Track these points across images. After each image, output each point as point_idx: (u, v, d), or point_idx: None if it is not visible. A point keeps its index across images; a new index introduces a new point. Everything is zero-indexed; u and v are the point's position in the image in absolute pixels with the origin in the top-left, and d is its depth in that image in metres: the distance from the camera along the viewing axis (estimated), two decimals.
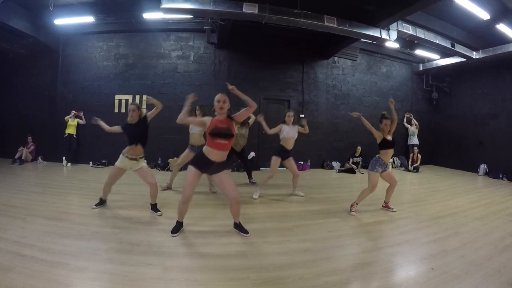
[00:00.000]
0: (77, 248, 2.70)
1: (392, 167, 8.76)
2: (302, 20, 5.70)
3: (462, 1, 5.64)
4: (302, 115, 8.49)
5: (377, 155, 4.22)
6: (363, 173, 7.88)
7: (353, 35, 6.51)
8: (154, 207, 3.88)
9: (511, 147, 8.18)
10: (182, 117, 3.13)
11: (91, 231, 3.15)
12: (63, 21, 7.18)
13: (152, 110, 3.90)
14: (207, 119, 3.04)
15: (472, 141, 9.35)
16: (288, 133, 4.87)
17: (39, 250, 2.61)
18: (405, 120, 9.79)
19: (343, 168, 8.51)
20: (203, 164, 3.03)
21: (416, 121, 9.71)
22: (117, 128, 3.86)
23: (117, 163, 3.83)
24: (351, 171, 8.22)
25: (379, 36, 6.36)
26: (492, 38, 7.35)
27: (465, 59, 8.26)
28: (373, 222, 3.85)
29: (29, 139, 7.96)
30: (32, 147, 8.00)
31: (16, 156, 7.60)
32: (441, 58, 9.40)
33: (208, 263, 2.56)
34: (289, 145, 4.94)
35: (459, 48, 7.59)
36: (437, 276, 2.42)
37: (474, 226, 3.77)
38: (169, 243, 2.92)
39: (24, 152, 7.73)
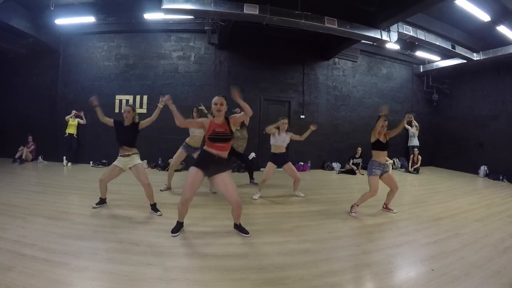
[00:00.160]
0: (77, 247, 2.70)
1: (393, 169, 8.76)
2: (302, 21, 5.71)
3: (462, 2, 5.65)
4: (302, 116, 8.51)
5: (372, 159, 4.25)
6: (363, 174, 7.87)
7: (353, 36, 6.52)
8: (154, 207, 3.89)
9: (511, 149, 8.18)
10: (178, 122, 3.05)
11: (91, 230, 3.15)
12: (64, 21, 7.19)
13: (147, 119, 3.95)
14: (206, 121, 3.06)
15: (472, 142, 9.35)
16: (277, 141, 4.94)
17: (39, 249, 2.61)
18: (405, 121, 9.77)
19: (344, 169, 8.51)
20: (204, 161, 3.03)
21: (417, 122, 9.71)
22: (109, 120, 3.95)
23: (115, 162, 3.89)
24: (352, 172, 8.22)
25: (380, 37, 6.37)
26: (493, 40, 7.36)
27: (465, 61, 8.27)
28: (373, 223, 3.85)
29: (30, 138, 7.96)
30: (33, 147, 8.00)
31: (17, 156, 7.60)
32: (441, 59, 9.41)
33: (208, 263, 2.56)
34: (279, 150, 4.98)
35: (459, 49, 7.60)
36: (437, 277, 2.42)
37: (474, 228, 3.77)
38: (169, 243, 2.92)
39: (25, 151, 7.73)
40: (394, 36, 6.50)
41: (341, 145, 9.26)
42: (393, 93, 10.06)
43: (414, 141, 9.48)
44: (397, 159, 9.50)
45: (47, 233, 3.01)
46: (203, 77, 8.07)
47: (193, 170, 3.01)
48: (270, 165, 4.96)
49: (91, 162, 7.86)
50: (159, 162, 7.74)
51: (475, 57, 8.05)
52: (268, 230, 3.45)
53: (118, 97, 7.96)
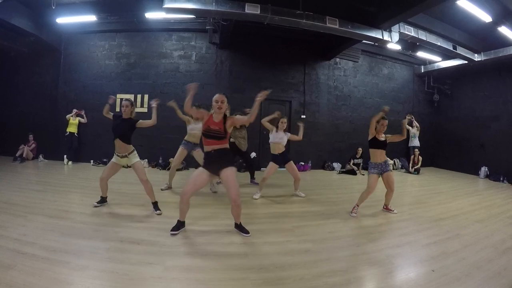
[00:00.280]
0: (78, 246, 2.70)
1: (393, 169, 8.76)
2: (304, 21, 5.71)
3: (464, 3, 5.64)
4: (303, 116, 8.50)
5: (369, 160, 4.30)
6: (363, 175, 7.86)
7: (355, 36, 6.51)
8: (155, 205, 3.89)
9: None
10: (186, 106, 3.06)
11: (91, 229, 3.15)
12: (65, 19, 7.20)
13: (146, 121, 3.93)
14: (206, 114, 3.11)
15: (473, 143, 9.35)
16: (274, 138, 4.94)
17: (40, 248, 2.61)
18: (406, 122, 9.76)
19: (344, 169, 8.51)
20: (206, 160, 3.09)
21: (417, 123, 9.70)
22: (110, 114, 4.03)
23: (112, 158, 3.91)
24: (352, 172, 8.22)
25: (381, 37, 6.37)
26: (494, 41, 7.35)
27: (466, 62, 8.27)
28: (374, 224, 3.85)
29: (30, 137, 7.96)
30: (33, 145, 8.00)
31: (17, 154, 7.61)
32: (442, 60, 9.40)
33: (209, 262, 2.56)
34: (276, 150, 4.97)
35: (460, 50, 7.59)
36: (438, 278, 2.42)
37: (475, 229, 3.77)
38: (170, 242, 2.92)
39: (25, 150, 7.74)
40: (396, 36, 6.50)
41: (342, 145, 9.26)
42: (394, 94, 10.06)
43: (415, 142, 9.48)
44: (398, 160, 9.51)
45: (48, 231, 3.01)
46: (204, 77, 8.06)
47: (199, 168, 3.15)
48: (271, 165, 4.96)
49: (91, 161, 7.87)
50: (160, 161, 7.74)
51: (476, 57, 8.04)
52: (269, 229, 3.45)
53: (119, 96, 7.92)
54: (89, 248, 2.69)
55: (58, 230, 3.07)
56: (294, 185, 5.18)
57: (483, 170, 8.62)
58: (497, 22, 6.34)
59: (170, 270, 2.39)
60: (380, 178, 4.20)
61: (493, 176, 8.27)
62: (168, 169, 7.29)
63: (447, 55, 8.31)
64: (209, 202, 4.50)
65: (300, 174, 5.28)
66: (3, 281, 2.05)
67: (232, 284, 2.25)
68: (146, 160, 7.65)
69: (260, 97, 3.03)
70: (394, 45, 7.74)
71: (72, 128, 7.76)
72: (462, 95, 9.96)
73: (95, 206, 3.93)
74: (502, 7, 5.91)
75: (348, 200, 4.63)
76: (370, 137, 4.23)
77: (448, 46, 7.28)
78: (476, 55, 8.02)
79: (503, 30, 6.57)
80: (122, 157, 3.84)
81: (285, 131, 5.00)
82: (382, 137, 4.20)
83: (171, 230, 3.12)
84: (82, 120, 7.87)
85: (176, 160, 5.09)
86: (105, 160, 7.67)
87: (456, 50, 7.48)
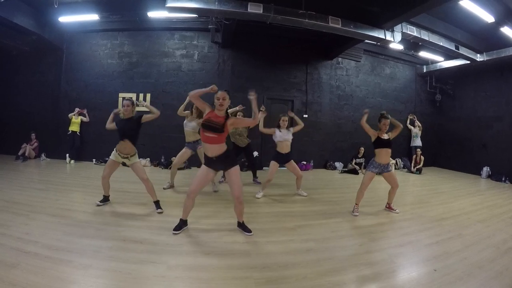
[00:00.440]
0: (81, 245, 2.71)
1: (395, 169, 8.74)
2: (306, 20, 5.70)
3: (466, 3, 5.62)
4: (305, 115, 8.50)
5: (373, 158, 4.27)
6: None
7: (357, 36, 6.50)
8: (157, 204, 3.89)
9: None
10: (194, 94, 3.05)
11: (94, 228, 3.16)
12: (68, 18, 7.21)
13: (149, 115, 3.94)
14: (209, 106, 3.12)
15: (475, 143, 9.32)
16: (282, 136, 4.92)
17: (43, 247, 2.62)
18: (408, 121, 9.77)
19: (346, 169, 8.50)
20: (207, 159, 3.09)
21: (419, 122, 9.69)
22: (113, 126, 3.98)
23: (111, 156, 3.93)
24: (354, 171, 8.21)
25: (384, 37, 6.36)
26: (496, 41, 7.33)
27: (469, 62, 8.25)
28: (376, 223, 3.85)
29: (33, 136, 7.99)
30: (36, 144, 8.03)
31: (20, 153, 7.64)
32: (445, 60, 9.38)
33: (212, 261, 2.56)
34: (284, 149, 4.95)
35: (463, 50, 7.57)
36: (440, 277, 2.42)
37: (477, 229, 3.76)
38: (173, 241, 2.93)
39: (27, 149, 7.77)
40: (398, 36, 6.48)
41: (344, 145, 9.25)
42: (396, 93, 10.04)
43: (417, 142, 9.47)
44: (400, 159, 9.49)
45: (50, 230, 3.02)
46: (206, 76, 8.06)
47: (203, 167, 3.15)
48: (273, 163, 4.96)
49: (94, 159, 7.90)
50: (162, 160, 7.74)
51: (479, 58, 8.02)
52: (271, 229, 3.45)
53: (121, 95, 7.96)
54: (92, 247, 2.70)
55: (60, 228, 3.08)
56: (296, 183, 5.17)
57: (485, 170, 8.59)
58: (499, 22, 6.32)
59: (173, 269, 2.40)
60: (380, 178, 4.20)
61: (495, 176, 8.24)
62: (170, 168, 7.31)
63: (449, 55, 8.29)
64: (211, 201, 4.50)
65: (302, 173, 5.27)
66: (6, 280, 2.06)
67: (235, 283, 2.26)
68: (148, 159, 7.65)
69: (252, 95, 3.05)
70: (396, 45, 7.72)
71: (74, 127, 7.78)
72: (464, 95, 9.92)
73: (98, 205, 3.94)
74: (504, 7, 5.89)
75: (350, 200, 4.62)
76: (373, 139, 4.22)
77: (451, 46, 7.26)
78: (478, 55, 8.00)
79: (506, 30, 6.55)
80: (123, 157, 3.85)
81: (287, 127, 5.00)
82: (385, 136, 4.20)
83: (174, 230, 3.13)
84: (84, 119, 7.89)
85: (177, 159, 5.11)
86: (107, 159, 7.64)
87: (459, 50, 7.46)
